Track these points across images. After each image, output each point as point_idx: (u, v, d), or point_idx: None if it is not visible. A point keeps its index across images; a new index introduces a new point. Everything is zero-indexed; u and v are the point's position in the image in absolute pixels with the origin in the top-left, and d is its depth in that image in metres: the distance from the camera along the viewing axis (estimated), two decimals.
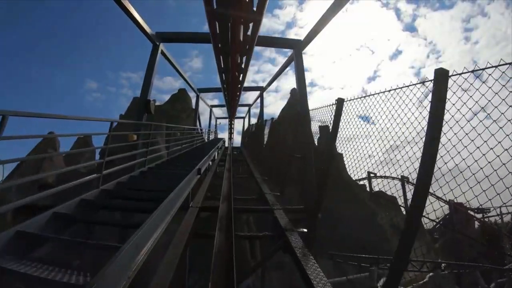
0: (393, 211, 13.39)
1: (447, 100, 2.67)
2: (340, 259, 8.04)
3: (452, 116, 2.67)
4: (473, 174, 2.56)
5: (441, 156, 2.89)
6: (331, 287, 2.79)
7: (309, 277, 2.92)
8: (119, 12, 6.05)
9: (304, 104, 7.20)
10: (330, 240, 10.23)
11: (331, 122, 4.74)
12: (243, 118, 27.93)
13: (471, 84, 2.75)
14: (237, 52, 6.17)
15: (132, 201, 3.63)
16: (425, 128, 2.76)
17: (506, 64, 2.42)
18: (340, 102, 4.61)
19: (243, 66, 7.23)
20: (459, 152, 2.75)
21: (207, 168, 7.97)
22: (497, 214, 15.24)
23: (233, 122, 27.73)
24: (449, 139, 2.83)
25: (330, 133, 4.76)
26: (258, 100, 19.80)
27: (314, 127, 6.84)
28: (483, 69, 2.57)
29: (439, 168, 2.86)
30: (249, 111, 25.42)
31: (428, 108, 2.78)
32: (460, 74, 2.62)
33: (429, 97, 2.80)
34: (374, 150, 3.66)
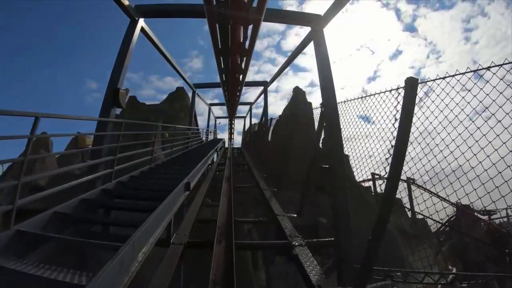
0: (398, 213, 13.38)
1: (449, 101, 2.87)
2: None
3: (448, 117, 2.73)
4: (478, 175, 2.64)
5: (445, 157, 2.96)
6: None
7: None
8: (119, 12, 6.02)
9: (330, 97, 5.23)
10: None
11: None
12: (244, 117, 27.88)
13: (475, 83, 2.84)
14: (237, 53, 6.26)
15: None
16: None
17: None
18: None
19: (243, 66, 7.30)
20: (463, 153, 2.82)
21: (204, 173, 7.12)
22: (501, 217, 15.27)
23: (233, 121, 27.42)
24: (453, 139, 2.91)
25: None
26: (260, 99, 19.23)
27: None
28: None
29: (443, 169, 2.93)
30: (250, 110, 25.28)
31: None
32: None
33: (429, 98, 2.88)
34: (376, 150, 3.72)
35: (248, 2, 4.12)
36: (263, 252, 7.56)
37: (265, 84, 16.85)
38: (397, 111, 3.23)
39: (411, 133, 2.96)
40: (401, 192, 3.90)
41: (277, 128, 15.80)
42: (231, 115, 24.58)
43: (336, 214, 4.43)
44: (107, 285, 1.62)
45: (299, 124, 14.20)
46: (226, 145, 20.44)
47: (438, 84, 3.08)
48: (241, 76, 8.43)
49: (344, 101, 5.12)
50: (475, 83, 2.82)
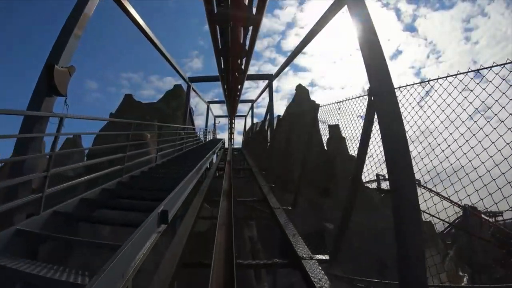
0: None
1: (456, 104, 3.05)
2: (362, 284, 6.30)
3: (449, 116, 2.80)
4: (480, 176, 2.70)
5: (447, 157, 3.03)
6: None
7: None
8: (118, 11, 6.10)
9: (383, 78, 3.66)
10: (344, 257, 8.70)
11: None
12: (245, 116, 27.34)
13: (477, 83, 2.91)
14: (237, 53, 6.38)
15: None
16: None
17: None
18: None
19: (243, 66, 7.42)
20: (465, 154, 2.89)
21: (197, 182, 5.60)
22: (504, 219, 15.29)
23: (233, 121, 26.58)
24: (456, 139, 2.99)
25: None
26: (262, 97, 18.55)
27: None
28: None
29: (444, 170, 2.99)
30: (252, 108, 24.48)
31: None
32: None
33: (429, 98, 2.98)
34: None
35: (249, 2, 4.20)
36: None
37: (270, 78, 15.55)
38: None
39: (412, 133, 3.06)
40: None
41: (281, 128, 15.15)
42: (231, 114, 24.09)
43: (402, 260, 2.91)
44: None
45: (304, 124, 13.66)
46: (226, 145, 20.30)
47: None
48: (241, 76, 8.56)
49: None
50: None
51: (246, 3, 4.20)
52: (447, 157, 2.96)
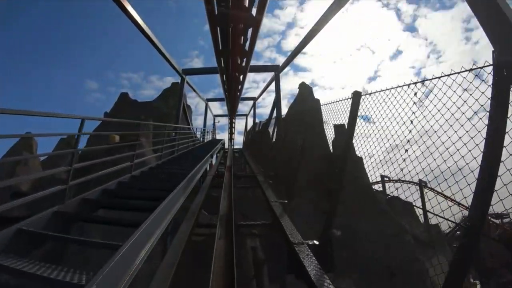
0: (409, 218, 13.10)
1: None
2: None
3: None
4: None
5: (451, 155, 3.08)
6: None
7: None
8: (118, 11, 6.23)
9: None
10: (349, 263, 8.64)
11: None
12: (246, 115, 26.81)
13: (481, 82, 2.97)
14: (238, 54, 6.46)
15: None
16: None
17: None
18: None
19: (243, 66, 7.50)
20: (470, 151, 2.95)
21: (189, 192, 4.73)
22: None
23: (234, 121, 25.67)
24: (460, 137, 3.04)
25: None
26: (262, 97, 18.16)
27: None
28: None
29: (449, 167, 3.05)
30: (254, 105, 23.54)
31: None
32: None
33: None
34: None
35: (249, 2, 4.27)
36: None
37: (276, 69, 13.90)
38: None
39: (415, 132, 3.13)
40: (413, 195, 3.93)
41: (284, 128, 13.45)
42: (232, 114, 23.29)
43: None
44: None
45: (310, 123, 12.69)
46: (226, 146, 19.77)
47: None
48: (241, 76, 8.67)
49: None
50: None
51: (247, 4, 4.27)
52: (451, 155, 3.02)
